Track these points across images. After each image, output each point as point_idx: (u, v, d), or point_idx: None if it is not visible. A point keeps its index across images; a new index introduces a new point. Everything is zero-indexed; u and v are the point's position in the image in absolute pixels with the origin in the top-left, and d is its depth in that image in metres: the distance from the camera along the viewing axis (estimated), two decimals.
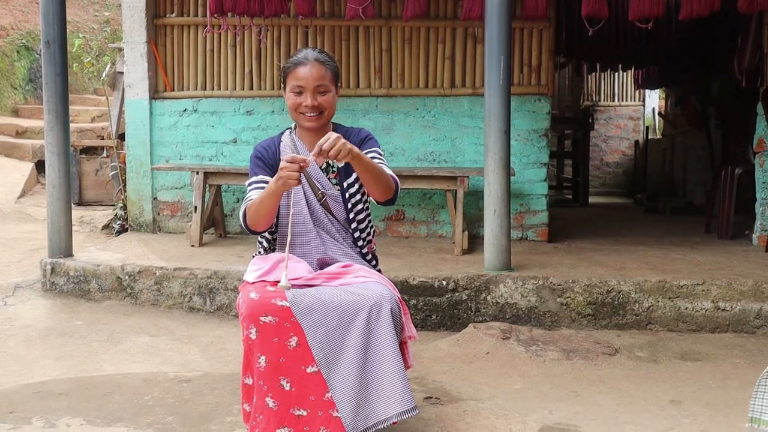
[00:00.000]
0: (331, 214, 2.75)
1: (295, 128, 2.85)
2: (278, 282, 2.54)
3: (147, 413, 3.04)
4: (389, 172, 2.67)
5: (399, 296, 2.58)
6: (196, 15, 6.08)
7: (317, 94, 2.68)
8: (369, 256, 2.83)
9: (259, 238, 2.82)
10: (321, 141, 2.39)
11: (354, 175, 2.73)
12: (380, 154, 2.77)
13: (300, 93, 2.68)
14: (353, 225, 2.78)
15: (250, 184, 2.72)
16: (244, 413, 2.63)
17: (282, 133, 2.87)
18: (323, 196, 2.74)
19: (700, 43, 7.68)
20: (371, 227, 2.86)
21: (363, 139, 2.78)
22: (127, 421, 2.95)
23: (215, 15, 5.47)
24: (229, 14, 5.54)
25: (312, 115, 2.69)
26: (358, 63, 5.95)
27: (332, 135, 2.40)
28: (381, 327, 2.46)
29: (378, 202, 2.70)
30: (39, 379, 3.45)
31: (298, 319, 2.45)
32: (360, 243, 2.80)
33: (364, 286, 2.54)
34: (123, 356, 3.81)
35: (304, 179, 2.73)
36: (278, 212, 2.73)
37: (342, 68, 5.83)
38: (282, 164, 2.42)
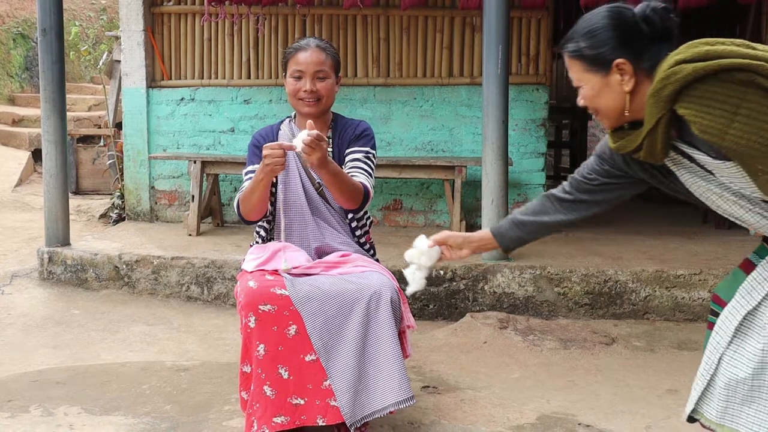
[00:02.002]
0: (329, 203, 2.75)
1: (295, 117, 2.85)
2: (277, 271, 2.54)
3: (145, 402, 3.05)
4: (365, 181, 2.64)
5: (398, 286, 2.58)
6: (194, 3, 6.04)
7: (316, 80, 2.68)
8: (367, 246, 2.83)
9: (257, 228, 2.82)
10: (308, 133, 2.33)
11: (348, 165, 2.72)
12: (368, 155, 2.74)
13: (299, 78, 2.69)
14: (350, 215, 2.77)
15: (247, 174, 2.72)
16: (242, 401, 2.64)
17: (281, 121, 2.87)
18: (320, 186, 2.74)
19: (699, 32, 7.66)
20: (368, 218, 2.86)
21: (359, 135, 2.76)
22: (125, 410, 2.96)
23: (213, 3, 5.44)
24: (227, 3, 5.51)
25: (310, 100, 2.68)
26: (356, 52, 5.93)
27: (318, 135, 2.34)
28: (380, 316, 2.46)
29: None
30: (37, 367, 3.45)
31: (297, 307, 2.45)
32: (358, 233, 2.80)
33: (363, 276, 2.54)
34: (120, 345, 3.81)
35: (301, 168, 2.73)
36: (275, 202, 2.73)
37: (340, 57, 5.80)
38: (265, 151, 2.41)
